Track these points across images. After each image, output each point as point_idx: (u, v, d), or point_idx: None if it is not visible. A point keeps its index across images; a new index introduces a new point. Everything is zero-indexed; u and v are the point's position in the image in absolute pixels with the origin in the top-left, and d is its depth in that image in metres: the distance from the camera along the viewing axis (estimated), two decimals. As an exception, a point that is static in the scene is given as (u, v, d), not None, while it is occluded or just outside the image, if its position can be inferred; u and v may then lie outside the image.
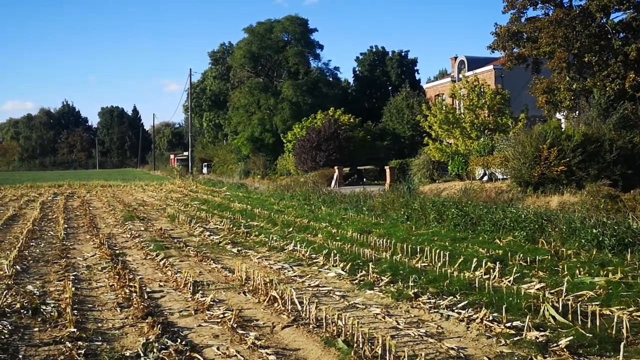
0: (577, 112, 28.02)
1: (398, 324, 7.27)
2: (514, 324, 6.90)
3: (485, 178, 27.61)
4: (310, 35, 59.87)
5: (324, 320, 7.16)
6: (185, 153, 77.59)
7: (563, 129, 23.52)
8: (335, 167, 37.27)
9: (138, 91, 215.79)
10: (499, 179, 26.38)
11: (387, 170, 34.05)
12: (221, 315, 7.86)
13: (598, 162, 20.82)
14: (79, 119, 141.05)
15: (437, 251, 10.71)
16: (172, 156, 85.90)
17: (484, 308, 7.47)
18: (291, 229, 15.83)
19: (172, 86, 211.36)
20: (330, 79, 61.20)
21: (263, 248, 13.52)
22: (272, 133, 54.04)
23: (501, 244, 11.76)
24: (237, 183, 39.56)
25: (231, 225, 17.25)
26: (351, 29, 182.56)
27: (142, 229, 17.81)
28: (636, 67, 26.11)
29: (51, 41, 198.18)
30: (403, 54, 64.62)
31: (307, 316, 7.54)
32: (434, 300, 8.14)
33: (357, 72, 64.72)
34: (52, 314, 8.13)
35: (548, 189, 21.00)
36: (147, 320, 7.64)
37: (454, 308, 7.73)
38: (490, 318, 7.08)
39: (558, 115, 30.48)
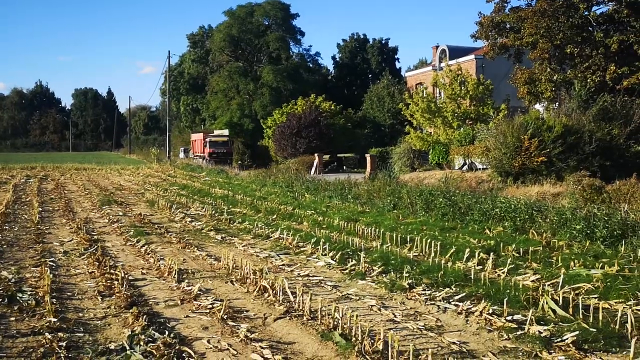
0: (558, 103, 28.11)
1: (395, 316, 7.03)
2: (515, 317, 6.70)
3: (465, 168, 27.60)
4: (291, 21, 59.20)
5: (318, 312, 6.88)
6: (219, 132, 50.94)
7: (544, 120, 23.56)
8: (316, 155, 36.97)
9: (113, 73, 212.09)
10: (479, 169, 26.41)
11: (368, 158, 33.84)
12: (210, 306, 7.53)
13: (577, 153, 20.94)
14: (52, 100, 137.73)
15: (428, 241, 10.50)
16: (195, 137, 54.52)
17: (482, 300, 7.27)
18: (275, 216, 15.50)
19: (148, 68, 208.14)
20: (311, 65, 60.67)
21: (248, 235, 13.17)
22: (252, 119, 53.45)
23: (491, 234, 11.60)
24: (217, 168, 38.98)
25: (213, 212, 16.85)
26: (332, 15, 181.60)
27: (121, 213, 17.30)
28: (617, 59, 26.20)
29: (24, 20, 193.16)
30: (384, 41, 64.31)
31: (300, 307, 7.25)
32: (429, 292, 7.90)
33: (338, 59, 64.23)
34: (30, 302, 7.71)
35: (528, 180, 21.07)
36: (131, 310, 7.26)
37: (450, 300, 7.51)
38: (490, 311, 6.88)
39: (537, 106, 30.59)
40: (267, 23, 59.15)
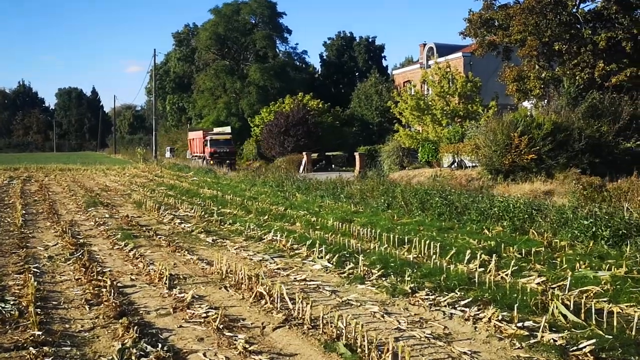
0: (547, 100, 28.04)
1: (400, 323, 6.70)
2: (526, 324, 6.39)
3: (454, 165, 27.45)
4: (278, 19, 58.77)
5: (320, 320, 6.53)
6: (220, 129, 46.44)
7: (533, 117, 23.44)
8: (304, 153, 36.64)
9: (97, 72, 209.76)
10: (468, 167, 26.28)
11: (357, 157, 33.60)
12: (204, 315, 7.15)
13: (567, 150, 20.90)
14: (36, 99, 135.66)
15: (426, 242, 10.18)
16: (193, 135, 49.37)
17: (490, 306, 6.97)
18: (267, 217, 15.12)
19: (133, 67, 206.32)
20: (298, 63, 60.30)
21: (239, 237, 12.78)
22: (239, 117, 52.97)
23: (491, 235, 11.33)
24: (205, 168, 38.43)
25: (203, 213, 16.42)
26: (318, 13, 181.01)
27: (107, 215, 16.81)
28: (605, 56, 26.15)
29: (6, 18, 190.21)
30: (370, 40, 64.11)
31: (300, 315, 6.90)
32: (433, 297, 7.58)
33: (325, 58, 63.93)
34: (13, 312, 7.27)
35: (518, 177, 20.97)
36: (120, 321, 6.86)
37: (456, 305, 7.19)
38: (499, 317, 6.57)
39: (526, 104, 30.52)
40: (253, 21, 58.64)
